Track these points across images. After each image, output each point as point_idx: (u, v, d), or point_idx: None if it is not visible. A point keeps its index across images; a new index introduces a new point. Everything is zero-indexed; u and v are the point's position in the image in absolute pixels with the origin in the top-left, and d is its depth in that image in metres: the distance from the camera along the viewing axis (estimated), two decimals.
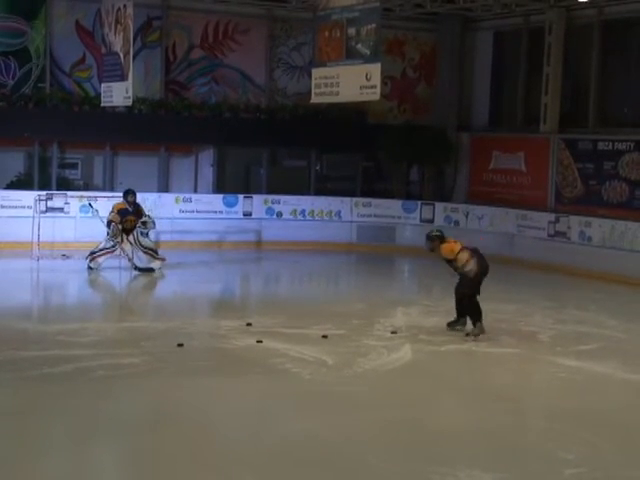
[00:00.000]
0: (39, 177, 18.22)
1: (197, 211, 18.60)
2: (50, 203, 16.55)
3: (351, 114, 19.44)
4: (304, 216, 19.19)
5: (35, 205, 15.93)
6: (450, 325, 11.22)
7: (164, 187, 19.11)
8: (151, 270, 15.15)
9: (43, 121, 17.74)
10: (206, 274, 15.88)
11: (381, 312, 12.27)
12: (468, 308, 10.96)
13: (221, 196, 18.93)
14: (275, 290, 15.87)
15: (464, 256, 10.89)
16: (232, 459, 6.84)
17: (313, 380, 8.94)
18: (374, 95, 12.15)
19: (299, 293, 15.29)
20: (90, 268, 14.84)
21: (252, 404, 8.21)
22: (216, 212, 18.73)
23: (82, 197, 17.32)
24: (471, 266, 10.84)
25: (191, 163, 19.68)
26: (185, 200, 18.55)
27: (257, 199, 19.07)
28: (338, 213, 19.38)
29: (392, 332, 11.05)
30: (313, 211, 19.22)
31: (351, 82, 12.55)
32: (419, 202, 19.47)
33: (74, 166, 18.90)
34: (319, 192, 19.97)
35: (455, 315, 11.22)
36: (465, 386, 9.15)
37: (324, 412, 8.02)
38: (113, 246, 14.92)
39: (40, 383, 8.54)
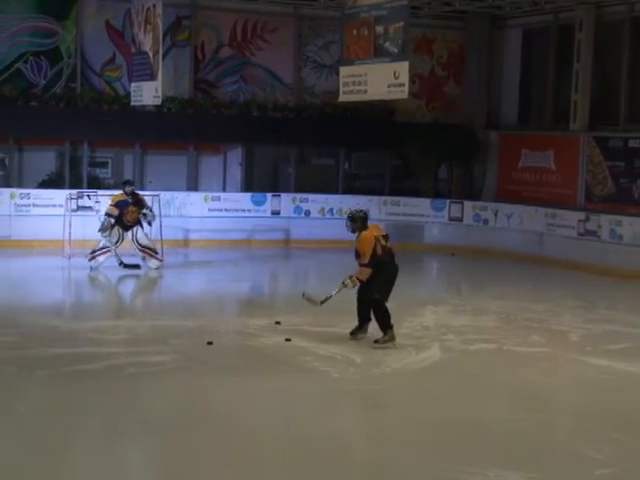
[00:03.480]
0: (70, 176, 18.39)
1: (226, 210, 18.66)
2: (81, 202, 16.68)
3: (379, 112, 19.42)
4: (332, 214, 19.20)
5: (66, 204, 16.05)
6: (353, 334, 10.48)
7: (193, 186, 19.21)
8: (137, 267, 14.96)
9: (74, 120, 17.89)
10: (235, 273, 15.93)
11: (410, 311, 12.21)
12: (378, 316, 10.20)
13: (249, 195, 18.99)
14: (303, 288, 15.83)
15: (371, 254, 10.12)
16: (260, 457, 6.87)
17: (341, 379, 8.95)
18: (402, 93, 12.15)
19: (327, 291, 15.26)
20: (91, 268, 14.78)
21: (280, 402, 8.24)
22: (244, 211, 18.79)
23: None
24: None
25: (220, 162, 19.75)
26: (214, 199, 18.62)
27: (285, 197, 19.10)
28: None
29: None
30: (341, 209, 19.18)
31: (379, 80, 12.56)
32: (448, 200, 19.39)
33: (104, 165, 19.04)
34: (347, 191, 19.95)
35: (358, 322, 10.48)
36: (494, 385, 9.12)
37: (352, 411, 8.03)
38: (114, 243, 14.74)
39: (71, 380, 8.62)
